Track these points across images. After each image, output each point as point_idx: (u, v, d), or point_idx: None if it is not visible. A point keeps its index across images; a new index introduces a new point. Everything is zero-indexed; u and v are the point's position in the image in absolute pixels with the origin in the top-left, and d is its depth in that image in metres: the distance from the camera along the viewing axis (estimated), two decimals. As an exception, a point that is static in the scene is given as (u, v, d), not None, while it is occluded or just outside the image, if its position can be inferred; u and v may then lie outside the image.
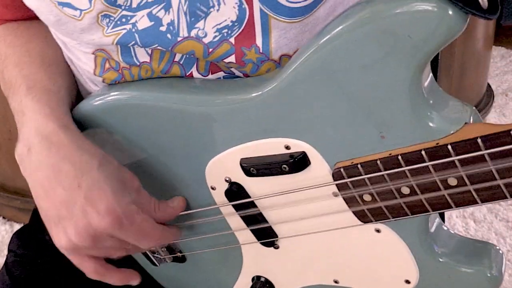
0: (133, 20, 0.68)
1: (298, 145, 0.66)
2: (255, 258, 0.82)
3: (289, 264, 0.79)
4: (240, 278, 0.86)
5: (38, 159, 0.70)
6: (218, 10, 0.66)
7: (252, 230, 0.77)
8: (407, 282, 0.71)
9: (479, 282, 0.67)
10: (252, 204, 0.74)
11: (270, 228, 0.75)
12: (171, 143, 0.76)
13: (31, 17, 0.83)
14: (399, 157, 0.59)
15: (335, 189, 0.67)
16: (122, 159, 0.77)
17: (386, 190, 0.63)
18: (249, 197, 0.74)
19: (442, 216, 0.99)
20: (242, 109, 0.68)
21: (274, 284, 0.83)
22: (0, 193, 2.02)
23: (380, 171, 0.61)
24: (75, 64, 0.81)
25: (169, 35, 0.68)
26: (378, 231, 0.69)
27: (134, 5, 0.67)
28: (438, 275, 0.69)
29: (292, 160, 0.67)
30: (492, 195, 0.56)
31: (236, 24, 0.67)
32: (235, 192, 0.74)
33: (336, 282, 0.77)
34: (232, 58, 0.69)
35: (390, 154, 0.60)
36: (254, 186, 0.72)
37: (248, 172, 0.71)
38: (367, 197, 0.65)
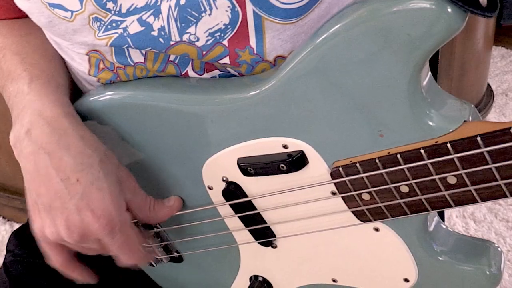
0: (123, 25, 0.68)
1: (296, 144, 0.66)
2: (253, 258, 0.82)
3: (287, 263, 0.79)
4: (237, 278, 0.86)
5: (38, 142, 0.68)
6: (210, 14, 0.65)
7: (249, 230, 0.77)
8: (406, 280, 0.71)
9: (478, 280, 0.67)
10: (250, 204, 0.74)
11: (268, 228, 0.75)
12: (167, 143, 0.75)
13: (24, 17, 0.81)
14: (398, 156, 0.59)
15: (333, 188, 0.66)
16: (118, 158, 0.76)
17: (385, 189, 0.62)
18: (247, 196, 0.73)
19: (441, 216, 0.99)
20: (239, 108, 0.67)
21: (272, 283, 0.83)
22: (0, 193, 2.01)
23: (379, 169, 0.61)
24: (70, 64, 0.80)
25: (161, 39, 0.68)
26: (376, 230, 0.68)
27: (123, 10, 0.66)
28: (437, 274, 0.69)
29: (290, 159, 0.66)
30: (492, 194, 0.56)
31: (229, 27, 0.66)
32: (232, 191, 0.73)
33: (334, 281, 0.77)
34: (226, 60, 0.69)
35: (389, 153, 0.60)
36: (252, 185, 0.72)
37: (245, 172, 0.70)
38: (365, 196, 0.64)
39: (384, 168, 0.61)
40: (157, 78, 0.75)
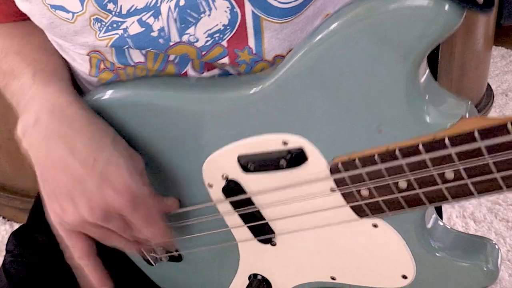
0: (123, 26, 0.68)
1: (295, 141, 0.66)
2: (252, 256, 0.82)
3: (286, 261, 0.79)
4: (236, 277, 0.86)
5: (48, 129, 0.68)
6: (209, 15, 0.66)
7: (249, 227, 0.77)
8: (404, 277, 0.71)
9: (476, 277, 0.68)
10: (249, 201, 0.74)
11: (267, 224, 0.76)
12: (167, 142, 0.76)
13: (27, 18, 0.82)
14: (397, 151, 0.60)
15: (332, 184, 0.67)
16: None
17: (383, 184, 0.63)
18: (246, 194, 0.74)
19: (440, 214, 0.99)
20: (239, 106, 0.68)
21: (271, 282, 0.83)
22: (0, 193, 2.01)
23: (378, 165, 0.62)
24: (71, 65, 0.81)
25: (161, 40, 0.68)
26: (375, 226, 0.69)
27: (123, 11, 0.67)
28: (435, 270, 0.69)
29: (289, 156, 0.67)
30: (488, 187, 0.57)
31: (228, 27, 0.67)
32: (232, 188, 0.74)
33: (333, 278, 0.77)
34: (225, 60, 0.70)
35: (387, 149, 0.61)
36: (251, 182, 0.72)
37: (245, 168, 0.71)
38: (364, 192, 0.65)
39: (383, 163, 0.61)
40: (157, 77, 0.75)
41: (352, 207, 0.68)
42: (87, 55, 0.74)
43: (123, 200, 0.67)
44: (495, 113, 2.53)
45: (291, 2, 0.65)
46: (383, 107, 0.60)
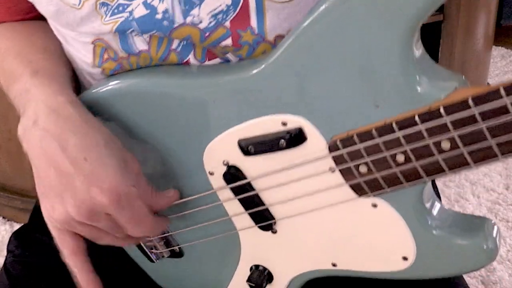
0: (129, 9, 0.70)
1: (294, 121, 0.67)
2: (253, 246, 0.82)
3: (287, 249, 0.79)
4: (238, 270, 0.86)
5: (45, 130, 0.70)
6: None
7: (249, 214, 0.77)
8: (405, 258, 0.72)
9: (475, 255, 0.68)
10: (249, 186, 0.75)
11: (267, 210, 0.76)
12: (169, 131, 0.77)
13: (30, 18, 0.86)
14: (394, 124, 0.61)
15: (331, 163, 0.68)
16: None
17: (381, 159, 0.64)
18: (246, 179, 0.74)
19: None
20: (238, 89, 0.69)
21: (272, 272, 0.83)
22: (0, 193, 2.01)
23: (375, 139, 0.63)
24: (75, 58, 0.83)
25: (165, 22, 0.70)
26: (374, 205, 0.69)
27: None
28: (434, 250, 0.70)
29: (289, 135, 0.68)
30: (484, 156, 0.58)
31: (231, 8, 0.69)
32: (233, 174, 0.74)
33: (334, 265, 0.77)
34: (228, 41, 0.71)
35: (384, 122, 0.62)
36: (252, 166, 0.73)
37: (246, 151, 0.72)
38: (363, 169, 0.66)
39: (380, 137, 0.62)
40: (158, 66, 0.77)
41: (351, 186, 0.68)
42: (92, 43, 0.76)
43: (108, 198, 0.68)
44: (495, 113, 2.53)
45: None
46: (379, 81, 0.61)
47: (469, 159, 0.59)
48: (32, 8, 0.83)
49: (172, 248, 0.89)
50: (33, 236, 0.99)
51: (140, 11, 0.70)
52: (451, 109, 0.57)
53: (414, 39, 0.59)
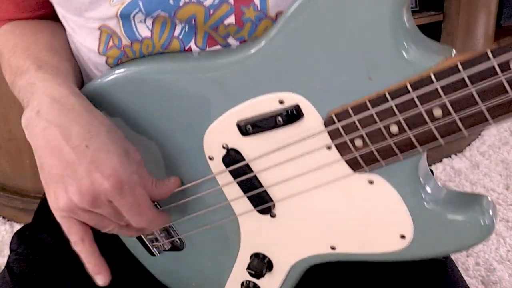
0: None
1: (291, 98, 0.69)
2: (253, 233, 0.83)
3: (286, 234, 0.80)
4: (238, 259, 0.86)
5: (47, 120, 0.71)
6: None
7: (248, 197, 0.78)
8: (402, 237, 0.72)
9: (472, 231, 0.68)
10: (248, 168, 0.76)
11: (265, 192, 0.77)
12: (170, 117, 0.78)
13: (38, 16, 0.90)
14: (386, 94, 0.63)
15: (328, 140, 0.69)
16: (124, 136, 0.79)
17: (376, 131, 0.65)
18: (245, 160, 0.76)
19: None
20: (235, 70, 0.71)
21: (272, 260, 0.83)
22: (0, 193, 2.02)
23: (369, 110, 0.64)
24: (81, 48, 0.85)
25: (171, 1, 0.72)
26: (371, 182, 0.70)
27: None
28: (432, 226, 0.70)
29: (286, 112, 0.69)
30: (475, 121, 0.59)
31: None
32: (232, 157, 0.76)
33: (333, 248, 0.77)
34: (231, 19, 0.73)
35: (377, 94, 0.63)
36: (250, 147, 0.74)
37: (244, 131, 0.73)
38: (358, 142, 0.67)
39: (374, 107, 0.64)
40: (159, 54, 0.79)
41: (347, 161, 0.69)
42: (98, 29, 0.78)
43: (109, 184, 0.69)
44: (495, 113, 2.53)
45: None
46: (371, 53, 0.63)
47: (460, 125, 0.60)
48: (41, 5, 0.88)
49: (173, 239, 0.89)
50: (36, 235, 0.99)
51: None
52: (441, 75, 0.59)
53: (404, 9, 0.60)
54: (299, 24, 0.65)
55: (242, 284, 0.87)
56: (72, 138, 0.70)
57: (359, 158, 0.68)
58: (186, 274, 0.94)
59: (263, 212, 0.79)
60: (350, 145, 0.68)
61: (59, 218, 0.74)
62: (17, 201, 1.99)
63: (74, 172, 0.70)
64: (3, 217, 2.11)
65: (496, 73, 0.55)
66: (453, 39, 2.14)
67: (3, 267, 0.98)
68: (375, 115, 0.64)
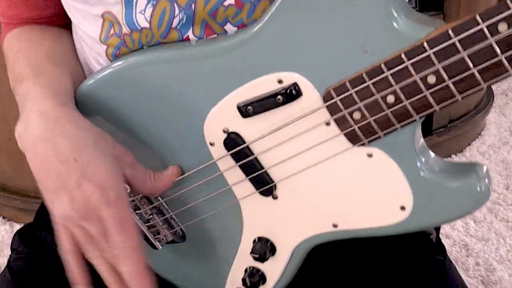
0: None
1: (289, 77, 0.71)
2: (255, 217, 0.83)
3: (288, 215, 0.81)
4: (241, 244, 0.87)
5: (35, 134, 0.74)
6: None
7: (250, 179, 0.79)
8: (403, 208, 0.73)
9: (470, 197, 0.70)
10: (249, 150, 0.77)
11: (266, 173, 0.78)
12: (168, 107, 0.79)
13: (46, 16, 0.93)
14: (382, 65, 0.65)
15: (327, 116, 0.71)
16: (121, 133, 0.82)
17: (373, 102, 0.67)
18: (245, 143, 0.77)
19: None
20: (233, 54, 0.73)
21: (274, 243, 0.84)
22: (0, 193, 2.01)
23: (366, 82, 0.66)
24: (83, 40, 0.88)
25: None
26: (370, 155, 0.72)
27: None
28: (431, 195, 0.71)
29: (285, 91, 0.71)
30: (468, 86, 0.62)
31: None
32: (233, 139, 0.77)
33: (335, 226, 0.78)
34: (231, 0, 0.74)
35: (373, 66, 0.66)
36: (251, 129, 0.76)
37: (245, 112, 0.74)
38: (356, 115, 0.69)
39: (370, 79, 0.66)
40: (156, 45, 0.80)
41: (346, 135, 0.71)
42: (101, 16, 0.80)
43: (98, 194, 0.71)
44: (495, 113, 2.54)
45: None
46: (365, 24, 0.65)
47: (454, 90, 0.62)
48: (48, 4, 0.91)
49: (175, 230, 0.90)
50: (37, 235, 1.00)
51: None
52: (433, 42, 0.61)
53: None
54: (293, 4, 0.67)
55: (246, 270, 0.88)
56: (60, 152, 0.72)
57: (357, 131, 0.70)
58: (189, 267, 0.94)
59: (264, 194, 0.80)
60: (349, 118, 0.69)
61: (55, 224, 0.76)
62: (17, 201, 1.98)
63: (66, 184, 0.72)
64: (3, 217, 2.10)
65: (486, 37, 0.58)
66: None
67: (3, 267, 0.99)
68: (371, 86, 0.66)
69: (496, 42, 0.58)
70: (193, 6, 0.76)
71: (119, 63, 0.80)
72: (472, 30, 0.59)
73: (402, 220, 0.74)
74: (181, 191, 0.85)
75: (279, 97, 0.71)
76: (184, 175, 0.83)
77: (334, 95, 0.68)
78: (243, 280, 0.86)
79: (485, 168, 0.71)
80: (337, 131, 0.71)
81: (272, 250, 0.84)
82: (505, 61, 0.59)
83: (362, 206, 0.76)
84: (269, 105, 0.73)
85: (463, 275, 0.93)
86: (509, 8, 0.57)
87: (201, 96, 0.77)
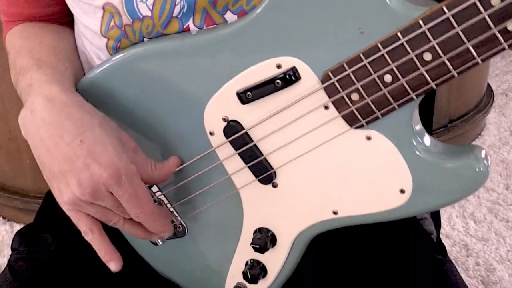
0: None
1: (288, 61, 0.72)
2: (255, 207, 0.84)
3: (288, 204, 0.81)
4: (242, 236, 0.86)
5: (41, 118, 0.74)
6: None
7: (249, 167, 0.80)
8: (402, 191, 0.73)
9: (468, 178, 0.70)
10: (248, 137, 0.78)
11: (265, 160, 0.78)
12: (169, 97, 0.80)
13: (48, 14, 0.94)
14: (378, 44, 0.66)
15: (325, 99, 0.71)
16: (122, 124, 0.82)
17: (370, 82, 0.68)
18: (244, 129, 0.77)
19: (438, 213, 1.00)
20: (232, 41, 0.74)
21: (275, 233, 0.84)
22: (0, 193, 2.00)
23: (363, 61, 0.67)
24: (85, 35, 0.89)
25: None
26: (368, 138, 0.72)
27: None
28: (430, 177, 0.72)
29: (283, 75, 0.72)
30: (463, 61, 0.62)
31: None
32: (232, 127, 0.78)
33: (335, 213, 0.78)
34: None
35: (370, 46, 0.66)
36: (250, 115, 0.76)
37: (244, 99, 0.75)
38: (354, 96, 0.69)
39: (367, 59, 0.67)
40: (156, 38, 0.81)
41: (344, 117, 0.71)
42: (102, 8, 0.81)
43: (108, 173, 0.71)
44: (495, 113, 2.54)
45: None
46: (362, 7, 0.66)
47: (450, 66, 0.63)
48: (50, 2, 0.92)
49: (175, 224, 0.89)
50: (37, 235, 1.00)
51: None
52: (428, 18, 0.62)
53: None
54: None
55: (247, 263, 0.87)
56: (66, 134, 0.73)
57: (355, 112, 0.70)
58: (189, 263, 0.94)
59: (264, 182, 0.80)
60: (347, 99, 0.70)
61: (67, 212, 0.77)
62: (17, 201, 1.97)
63: (73, 167, 0.72)
64: (3, 217, 2.09)
65: (479, 11, 0.59)
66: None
67: (3, 267, 0.99)
68: (368, 66, 0.67)
69: (489, 16, 0.59)
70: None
71: (120, 55, 0.81)
72: (465, 4, 0.59)
73: (402, 204, 0.74)
74: (181, 182, 0.85)
75: (278, 81, 0.72)
76: (184, 165, 0.83)
77: (332, 76, 0.69)
78: (244, 273, 0.86)
79: (484, 150, 0.71)
80: (335, 113, 0.71)
81: (273, 240, 0.84)
82: (498, 35, 0.59)
83: (362, 191, 0.76)
84: (268, 90, 0.73)
85: (463, 275, 0.93)
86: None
87: (201, 85, 0.77)
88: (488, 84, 2.53)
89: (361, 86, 0.68)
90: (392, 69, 0.66)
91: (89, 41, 0.88)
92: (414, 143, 0.71)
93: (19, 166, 1.82)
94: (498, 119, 2.54)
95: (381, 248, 0.90)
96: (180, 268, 0.95)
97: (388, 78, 0.66)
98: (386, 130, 0.71)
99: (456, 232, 1.89)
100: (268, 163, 0.78)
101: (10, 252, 1.01)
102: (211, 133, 0.79)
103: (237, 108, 0.76)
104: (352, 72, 0.68)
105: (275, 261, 0.85)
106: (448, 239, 1.86)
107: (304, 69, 0.71)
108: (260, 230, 0.84)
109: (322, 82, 0.70)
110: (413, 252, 0.91)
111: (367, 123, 0.71)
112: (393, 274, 0.88)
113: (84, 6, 0.84)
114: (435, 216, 0.98)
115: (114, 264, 0.78)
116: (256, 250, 0.83)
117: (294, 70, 0.71)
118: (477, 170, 0.69)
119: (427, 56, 0.63)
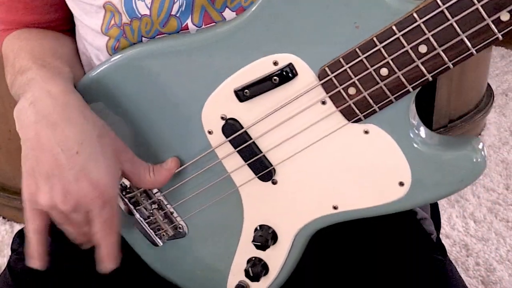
0: None
1: (284, 58, 0.72)
2: (255, 205, 0.84)
3: (288, 200, 0.81)
4: (243, 234, 0.86)
5: (41, 113, 0.73)
6: None
7: (249, 165, 0.80)
8: (401, 184, 0.74)
9: (466, 169, 0.71)
10: (247, 135, 0.78)
11: (264, 157, 0.79)
12: (167, 97, 0.80)
13: (47, 21, 0.94)
14: (374, 39, 0.66)
15: (322, 94, 0.72)
16: (121, 125, 0.83)
17: (367, 76, 0.68)
18: (243, 128, 0.78)
19: (437, 208, 1.00)
20: (228, 40, 0.74)
21: (276, 230, 0.84)
22: (0, 193, 2.00)
23: (359, 56, 0.67)
24: (86, 36, 0.88)
25: None
26: (366, 132, 0.73)
27: None
28: (428, 169, 0.72)
29: (280, 72, 0.72)
30: (458, 53, 0.63)
31: None
32: (231, 125, 0.78)
33: (335, 207, 0.79)
34: None
35: (366, 40, 0.67)
36: (248, 113, 0.77)
37: (242, 97, 0.75)
38: (351, 91, 0.70)
39: (363, 53, 0.67)
40: (155, 38, 0.81)
41: (342, 111, 0.72)
42: (102, 7, 0.81)
43: (95, 195, 0.72)
44: (495, 113, 2.54)
45: None
46: (357, 2, 0.66)
47: (445, 58, 0.63)
48: (49, 9, 0.92)
49: (176, 224, 0.90)
50: None
51: None
52: (423, 12, 0.63)
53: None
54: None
55: (248, 261, 0.87)
56: (63, 140, 0.72)
57: (353, 106, 0.71)
58: (190, 263, 0.94)
59: (264, 179, 0.80)
60: (344, 94, 0.70)
61: (28, 207, 0.76)
62: (17, 201, 1.96)
63: (62, 175, 0.72)
64: (3, 217, 2.10)
65: (473, 2, 0.60)
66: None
67: (3, 267, 0.99)
68: (365, 60, 0.67)
69: (482, 7, 0.60)
70: None
71: (118, 56, 0.81)
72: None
73: (401, 196, 0.74)
74: (181, 183, 0.85)
75: (275, 78, 0.72)
76: (183, 166, 0.83)
77: (329, 72, 0.70)
78: (246, 271, 0.86)
79: (481, 142, 0.72)
80: (332, 108, 0.72)
81: (274, 237, 0.84)
82: (492, 25, 0.60)
83: (361, 185, 0.76)
84: (265, 87, 0.73)
85: (463, 275, 0.93)
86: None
87: (199, 84, 0.78)
88: (488, 84, 2.54)
89: (358, 80, 0.69)
90: (388, 63, 0.66)
91: (89, 42, 0.88)
92: (412, 135, 0.71)
93: (19, 166, 1.80)
94: (498, 119, 2.54)
95: (381, 248, 0.90)
96: (181, 268, 0.95)
97: (384, 71, 0.67)
98: (383, 124, 0.72)
99: (456, 232, 1.90)
100: (268, 160, 0.79)
101: (10, 253, 1.01)
102: (209, 132, 0.80)
103: (235, 106, 0.76)
104: (349, 67, 0.68)
105: (277, 258, 0.85)
106: (448, 239, 1.86)
107: (300, 66, 0.71)
108: (261, 228, 0.84)
109: (319, 78, 0.71)
110: (413, 252, 0.91)
111: (365, 117, 0.71)
112: (393, 274, 0.88)
113: (85, 6, 0.84)
114: (435, 216, 0.98)
115: (35, 262, 0.78)
116: (257, 247, 0.83)
117: (291, 66, 0.71)
118: (475, 160, 0.70)
119: (423, 49, 0.64)
